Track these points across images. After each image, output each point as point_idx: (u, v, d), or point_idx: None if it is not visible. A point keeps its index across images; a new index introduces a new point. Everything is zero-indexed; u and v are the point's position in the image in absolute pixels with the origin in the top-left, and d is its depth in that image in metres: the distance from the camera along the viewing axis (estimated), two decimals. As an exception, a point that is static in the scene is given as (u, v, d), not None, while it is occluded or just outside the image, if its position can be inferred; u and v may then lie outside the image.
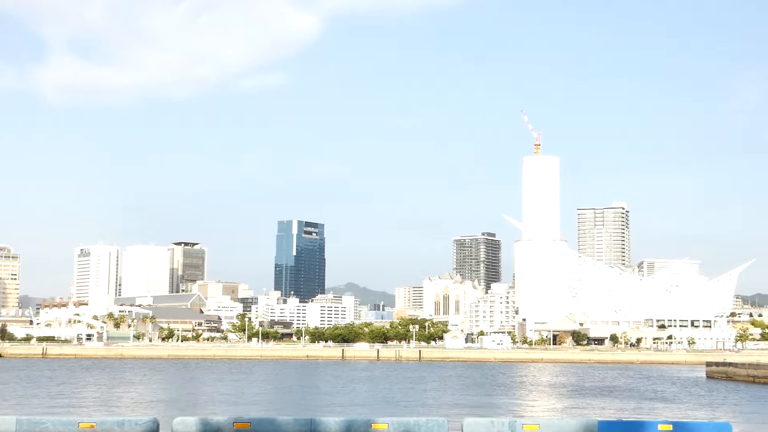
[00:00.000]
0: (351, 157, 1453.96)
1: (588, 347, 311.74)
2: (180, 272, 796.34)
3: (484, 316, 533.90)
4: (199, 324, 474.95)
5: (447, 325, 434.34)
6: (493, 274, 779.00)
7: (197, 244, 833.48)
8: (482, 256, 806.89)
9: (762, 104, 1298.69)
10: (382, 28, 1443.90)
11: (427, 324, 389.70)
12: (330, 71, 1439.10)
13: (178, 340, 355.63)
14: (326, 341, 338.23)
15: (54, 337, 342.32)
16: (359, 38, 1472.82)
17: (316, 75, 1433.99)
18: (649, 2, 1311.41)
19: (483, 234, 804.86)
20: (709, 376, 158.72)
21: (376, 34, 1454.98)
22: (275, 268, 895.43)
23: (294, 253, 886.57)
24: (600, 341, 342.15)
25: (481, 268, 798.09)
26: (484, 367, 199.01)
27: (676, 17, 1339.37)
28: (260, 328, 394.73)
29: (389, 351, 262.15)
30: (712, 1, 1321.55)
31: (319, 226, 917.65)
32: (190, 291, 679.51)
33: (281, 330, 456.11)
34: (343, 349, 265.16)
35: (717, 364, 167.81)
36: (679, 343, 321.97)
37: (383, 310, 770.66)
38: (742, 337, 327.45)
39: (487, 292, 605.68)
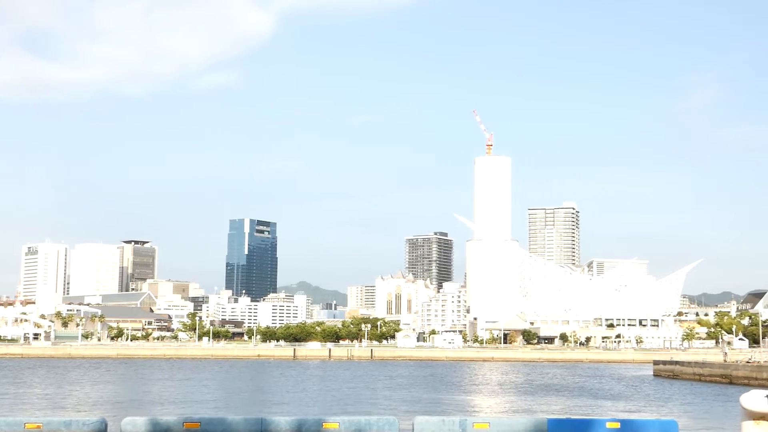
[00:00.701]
0: (304, 156, 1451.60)
1: (538, 346, 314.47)
2: (130, 271, 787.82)
3: (436, 315, 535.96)
4: (149, 323, 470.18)
5: (399, 324, 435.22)
6: (445, 274, 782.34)
7: (148, 242, 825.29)
8: (434, 255, 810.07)
9: (713, 106, 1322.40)
10: (336, 27, 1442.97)
11: (379, 323, 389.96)
12: (284, 69, 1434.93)
13: (127, 340, 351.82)
14: (278, 340, 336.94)
15: (0, 336, 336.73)
16: (313, 37, 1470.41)
17: (270, 73, 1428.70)
18: (602, 3, 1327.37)
19: (435, 233, 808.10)
20: (656, 375, 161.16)
21: (330, 33, 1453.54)
22: (227, 266, 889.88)
23: (246, 252, 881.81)
24: (550, 340, 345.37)
25: (434, 267, 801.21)
26: (436, 366, 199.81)
27: (629, 18, 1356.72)
28: (211, 327, 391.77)
29: (341, 350, 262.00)
30: (664, 3, 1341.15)
31: (272, 224, 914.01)
32: (140, 290, 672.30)
33: (232, 329, 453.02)
34: (294, 349, 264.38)
35: (664, 362, 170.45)
36: (627, 342, 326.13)
37: (335, 309, 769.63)
38: (688, 336, 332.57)
39: (439, 292, 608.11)
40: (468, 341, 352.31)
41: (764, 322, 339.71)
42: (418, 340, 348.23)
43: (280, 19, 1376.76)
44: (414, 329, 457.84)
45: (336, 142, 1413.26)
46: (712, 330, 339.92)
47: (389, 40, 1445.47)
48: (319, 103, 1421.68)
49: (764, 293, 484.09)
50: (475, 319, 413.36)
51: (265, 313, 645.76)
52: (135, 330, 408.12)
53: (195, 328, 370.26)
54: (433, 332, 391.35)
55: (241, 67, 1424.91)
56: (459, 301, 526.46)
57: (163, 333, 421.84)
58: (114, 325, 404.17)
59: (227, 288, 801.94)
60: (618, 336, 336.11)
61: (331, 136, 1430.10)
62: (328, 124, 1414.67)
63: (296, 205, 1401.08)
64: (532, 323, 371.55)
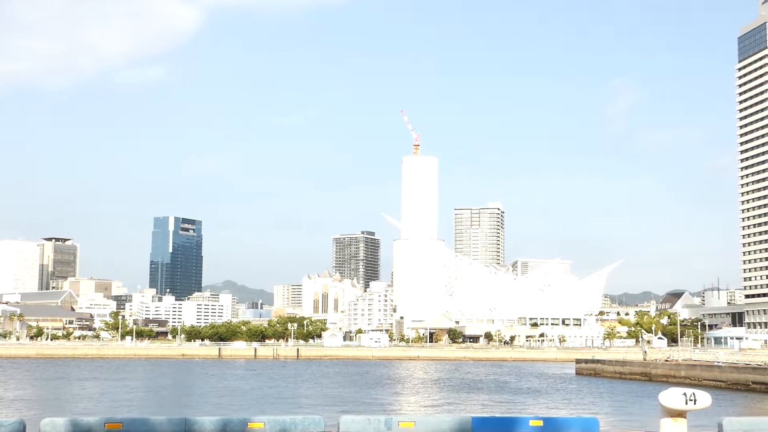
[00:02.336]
0: (231, 154, 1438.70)
1: (463, 345, 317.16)
2: (50, 269, 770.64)
3: (363, 314, 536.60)
4: (70, 322, 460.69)
5: (326, 324, 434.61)
6: (372, 273, 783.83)
7: (69, 239, 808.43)
8: (361, 254, 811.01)
9: (636, 110, 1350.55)
10: (264, 25, 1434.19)
11: (305, 322, 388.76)
12: (210, 66, 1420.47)
13: (47, 339, 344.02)
14: (203, 340, 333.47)
15: None
16: (240, 34, 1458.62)
17: (196, 70, 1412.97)
18: (529, 6, 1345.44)
19: (363, 233, 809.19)
20: (579, 373, 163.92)
21: (257, 30, 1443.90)
22: (151, 265, 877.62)
23: (170, 250, 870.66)
24: (475, 339, 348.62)
25: (361, 266, 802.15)
26: (362, 365, 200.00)
27: (556, 22, 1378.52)
28: (134, 326, 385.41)
29: (267, 349, 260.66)
30: (591, 7, 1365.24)
31: (197, 222, 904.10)
32: (61, 288, 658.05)
33: (156, 328, 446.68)
34: (219, 348, 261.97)
35: (586, 361, 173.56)
36: (550, 340, 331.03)
37: (261, 308, 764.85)
38: (609, 335, 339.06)
39: (365, 291, 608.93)
40: (394, 340, 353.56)
41: (682, 321, 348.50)
42: (344, 339, 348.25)
43: (207, 16, 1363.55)
44: (341, 328, 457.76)
45: (263, 141, 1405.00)
46: (633, 329, 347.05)
47: (318, 39, 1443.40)
48: (246, 101, 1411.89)
49: (682, 293, 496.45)
50: (402, 318, 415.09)
51: (190, 312, 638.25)
52: (55, 329, 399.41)
53: (118, 328, 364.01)
54: (359, 331, 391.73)
55: (166, 63, 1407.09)
56: (386, 300, 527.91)
57: (85, 332, 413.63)
58: (33, 324, 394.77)
59: (151, 286, 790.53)
60: (541, 335, 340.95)
61: (259, 135, 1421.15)
62: (255, 122, 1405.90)
63: (222, 203, 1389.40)
64: (457, 322, 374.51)
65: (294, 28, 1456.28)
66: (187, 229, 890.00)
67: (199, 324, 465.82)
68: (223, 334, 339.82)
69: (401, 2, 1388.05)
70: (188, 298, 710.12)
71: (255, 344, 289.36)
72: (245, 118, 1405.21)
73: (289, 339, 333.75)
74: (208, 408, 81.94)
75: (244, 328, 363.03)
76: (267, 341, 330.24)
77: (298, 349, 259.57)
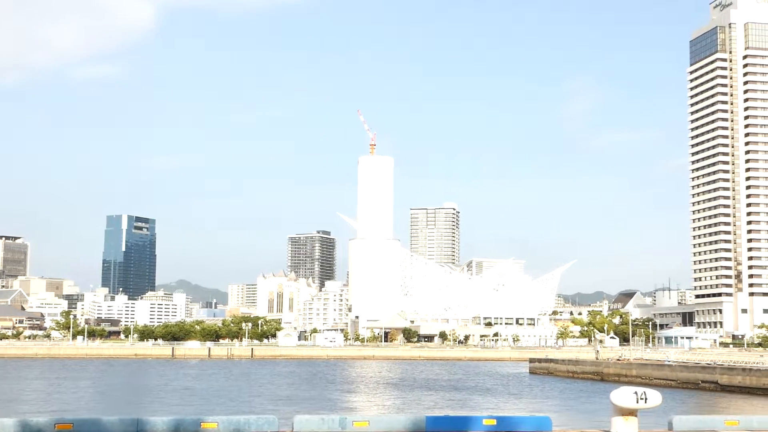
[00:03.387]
0: (186, 152, 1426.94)
1: (418, 344, 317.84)
2: (0, 267, 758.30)
3: (318, 314, 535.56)
4: (20, 321, 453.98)
5: (280, 323, 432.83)
6: (327, 272, 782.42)
7: (19, 238, 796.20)
8: (317, 254, 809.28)
9: (591, 111, 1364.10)
10: (220, 23, 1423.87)
11: (260, 322, 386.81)
12: (167, 64, 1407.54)
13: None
14: (156, 339, 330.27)
15: None
16: (197, 32, 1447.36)
17: (152, 67, 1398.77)
18: (486, 6, 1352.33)
19: (318, 232, 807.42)
20: (532, 372, 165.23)
21: (214, 28, 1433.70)
22: (103, 264, 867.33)
23: (123, 249, 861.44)
24: (430, 338, 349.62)
25: (316, 265, 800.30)
26: (317, 365, 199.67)
27: (513, 22, 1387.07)
28: (86, 326, 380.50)
29: (221, 349, 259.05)
30: (547, 9, 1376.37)
31: (151, 221, 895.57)
32: (11, 287, 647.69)
33: (109, 328, 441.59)
34: (173, 348, 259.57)
35: (539, 360, 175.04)
36: (504, 340, 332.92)
37: (216, 307, 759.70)
38: (562, 335, 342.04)
39: (321, 290, 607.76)
40: (349, 340, 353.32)
41: (634, 321, 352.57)
42: (299, 339, 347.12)
43: (163, 13, 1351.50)
44: (295, 328, 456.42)
45: (219, 139, 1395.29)
46: (585, 329, 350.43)
47: (274, 37, 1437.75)
48: (202, 99, 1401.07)
49: (634, 293, 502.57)
50: (357, 317, 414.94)
51: (143, 311, 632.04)
52: (5, 329, 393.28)
53: (69, 327, 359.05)
54: (314, 331, 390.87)
55: (122, 60, 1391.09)
56: (341, 300, 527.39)
57: (35, 332, 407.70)
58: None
59: (103, 286, 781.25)
60: (496, 334, 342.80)
61: (214, 133, 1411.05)
62: (211, 120, 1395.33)
63: (177, 201, 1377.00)
64: (412, 322, 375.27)
65: (250, 27, 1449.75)
66: (140, 228, 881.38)
67: (152, 324, 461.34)
68: (176, 334, 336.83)
69: (359, 2, 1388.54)
70: (141, 298, 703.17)
71: (209, 344, 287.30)
72: (200, 116, 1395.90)
73: (244, 339, 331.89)
74: (160, 408, 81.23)
75: (198, 327, 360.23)
76: (221, 341, 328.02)
77: (252, 349, 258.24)
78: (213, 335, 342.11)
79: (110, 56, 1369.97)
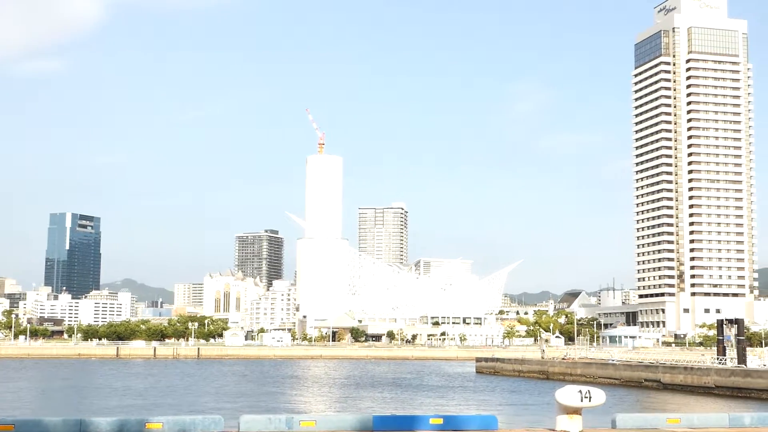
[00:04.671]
0: (132, 150, 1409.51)
1: (366, 344, 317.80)
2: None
3: (266, 314, 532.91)
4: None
5: (227, 323, 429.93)
6: (275, 272, 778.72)
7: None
8: (265, 253, 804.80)
9: (536, 113, 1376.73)
10: (167, 20, 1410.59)
11: (206, 321, 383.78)
12: (112, 61, 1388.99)
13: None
14: (100, 339, 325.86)
15: None
16: (143, 28, 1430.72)
17: (97, 63, 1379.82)
18: (435, 7, 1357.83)
19: (266, 231, 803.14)
20: (479, 371, 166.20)
21: (161, 25, 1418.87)
22: (46, 262, 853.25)
23: (67, 247, 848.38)
24: (377, 338, 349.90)
25: (264, 265, 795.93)
26: (264, 364, 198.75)
27: (461, 23, 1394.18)
28: (28, 325, 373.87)
29: (167, 349, 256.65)
30: (493, 10, 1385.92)
31: (95, 219, 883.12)
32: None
33: (51, 327, 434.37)
34: (118, 347, 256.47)
35: (486, 359, 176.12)
36: (451, 339, 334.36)
37: (161, 307, 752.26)
38: (509, 334, 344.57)
39: (268, 289, 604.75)
40: (297, 339, 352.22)
41: (579, 320, 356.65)
42: (246, 339, 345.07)
43: (108, 10, 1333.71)
44: (243, 327, 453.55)
45: (166, 137, 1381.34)
46: (532, 328, 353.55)
47: (222, 35, 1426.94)
48: (149, 96, 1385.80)
49: (579, 293, 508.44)
50: (305, 317, 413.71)
51: (87, 310, 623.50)
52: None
53: (11, 326, 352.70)
54: (261, 330, 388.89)
55: (66, 56, 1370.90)
56: (288, 300, 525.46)
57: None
58: None
59: (46, 284, 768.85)
60: (443, 334, 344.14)
61: (160, 130, 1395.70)
62: (158, 118, 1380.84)
63: (123, 199, 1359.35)
64: (360, 321, 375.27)
65: (197, 25, 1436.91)
66: (85, 226, 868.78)
67: (96, 323, 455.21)
68: (121, 334, 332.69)
69: (309, 2, 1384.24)
70: (85, 297, 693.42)
71: (154, 343, 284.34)
72: (146, 113, 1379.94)
73: (190, 338, 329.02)
74: (104, 408, 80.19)
75: (143, 327, 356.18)
76: (167, 340, 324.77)
77: (198, 349, 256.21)
78: (159, 335, 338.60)
79: (53, 52, 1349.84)
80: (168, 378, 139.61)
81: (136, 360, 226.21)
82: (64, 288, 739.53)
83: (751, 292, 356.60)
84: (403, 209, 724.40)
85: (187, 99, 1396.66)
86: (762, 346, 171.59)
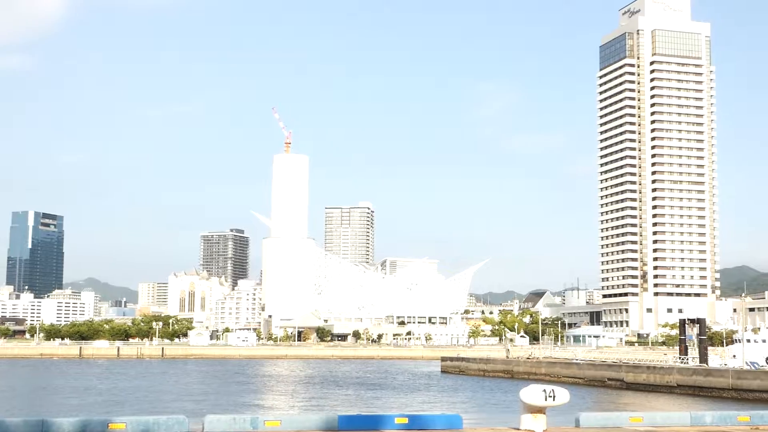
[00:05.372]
0: (96, 148, 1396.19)
1: (331, 343, 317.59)
2: None
3: (231, 313, 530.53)
4: None
5: (192, 322, 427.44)
6: (240, 271, 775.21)
7: None
8: (230, 252, 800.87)
9: (503, 114, 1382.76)
10: (134, 17, 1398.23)
11: (171, 321, 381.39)
12: (79, 57, 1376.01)
13: None
14: (63, 339, 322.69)
15: None
16: (110, 25, 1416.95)
17: (63, 60, 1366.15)
18: (401, 8, 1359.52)
19: (231, 230, 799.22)
20: (444, 371, 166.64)
21: (128, 22, 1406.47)
22: (8, 261, 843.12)
23: (29, 246, 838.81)
24: (343, 337, 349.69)
25: (229, 264, 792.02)
26: (229, 364, 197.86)
27: (428, 23, 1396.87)
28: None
29: (131, 348, 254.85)
30: (460, 13, 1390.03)
31: (59, 218, 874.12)
32: None
33: (13, 327, 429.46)
34: (81, 347, 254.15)
35: (451, 359, 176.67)
36: (417, 339, 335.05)
37: (125, 306, 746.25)
38: (474, 334, 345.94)
39: (234, 289, 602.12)
40: (262, 339, 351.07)
41: (544, 320, 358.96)
42: (211, 338, 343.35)
43: (74, 5, 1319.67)
44: (207, 327, 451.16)
45: (130, 136, 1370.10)
46: (497, 327, 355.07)
47: (188, 33, 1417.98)
48: (114, 94, 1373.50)
49: (544, 293, 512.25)
50: (270, 316, 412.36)
51: (50, 310, 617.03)
52: None
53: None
54: (227, 330, 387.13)
55: (28, 53, 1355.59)
56: (254, 299, 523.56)
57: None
58: None
59: (8, 284, 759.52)
60: (408, 333, 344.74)
61: (125, 128, 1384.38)
62: (121, 115, 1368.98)
63: (86, 197, 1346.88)
64: (326, 321, 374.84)
65: (163, 22, 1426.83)
66: (47, 225, 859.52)
67: (59, 323, 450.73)
68: (84, 333, 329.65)
69: (277, 0, 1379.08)
70: (48, 296, 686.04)
71: (118, 343, 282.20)
72: (111, 111, 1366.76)
73: (154, 338, 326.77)
74: (66, 409, 79.40)
75: (106, 326, 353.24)
76: (131, 340, 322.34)
77: (163, 348, 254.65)
78: (122, 334, 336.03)
79: (18, 47, 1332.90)
80: (131, 378, 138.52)
81: (99, 360, 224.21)
82: (27, 287, 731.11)
83: (713, 292, 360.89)
84: (369, 209, 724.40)
85: (152, 98, 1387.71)
86: (723, 346, 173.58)
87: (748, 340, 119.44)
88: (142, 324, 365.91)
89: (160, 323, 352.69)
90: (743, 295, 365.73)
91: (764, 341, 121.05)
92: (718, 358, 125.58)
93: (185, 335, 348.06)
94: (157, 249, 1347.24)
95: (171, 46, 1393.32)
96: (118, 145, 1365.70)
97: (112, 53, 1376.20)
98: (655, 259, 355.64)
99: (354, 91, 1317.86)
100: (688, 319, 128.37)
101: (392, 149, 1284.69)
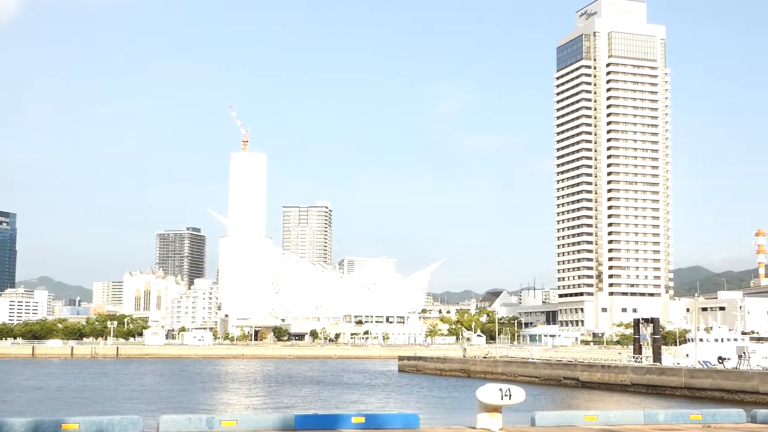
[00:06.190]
0: (48, 145, 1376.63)
1: (289, 343, 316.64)
2: None
3: (187, 312, 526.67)
4: None
5: (147, 321, 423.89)
6: (197, 270, 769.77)
7: None
8: (186, 251, 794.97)
9: (460, 114, 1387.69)
10: (88, 13, 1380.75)
11: (126, 320, 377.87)
12: (29, 51, 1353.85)
13: None
14: (15, 338, 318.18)
15: None
16: (62, 20, 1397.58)
17: (13, 53, 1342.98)
18: (358, 8, 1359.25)
19: (188, 229, 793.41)
20: (401, 370, 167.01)
21: (80, 18, 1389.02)
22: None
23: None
24: (301, 337, 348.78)
25: (185, 263, 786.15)
26: (185, 364, 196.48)
27: (382, 26, 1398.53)
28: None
29: (85, 348, 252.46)
30: (416, 13, 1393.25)
31: (11, 215, 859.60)
32: None
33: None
34: (33, 347, 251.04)
35: (408, 358, 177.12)
36: (374, 338, 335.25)
37: (80, 305, 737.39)
38: (431, 333, 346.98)
39: (190, 288, 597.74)
40: (219, 338, 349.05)
41: (500, 319, 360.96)
42: (167, 338, 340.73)
43: (21, 2, 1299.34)
44: (163, 326, 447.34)
45: (84, 131, 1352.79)
46: (454, 327, 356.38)
47: (143, 30, 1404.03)
48: (66, 89, 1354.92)
49: (501, 292, 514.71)
50: (227, 316, 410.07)
51: (2, 309, 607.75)
52: None
53: None
54: (183, 329, 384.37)
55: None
56: (210, 298, 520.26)
57: None
58: None
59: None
60: (366, 332, 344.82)
61: (79, 125, 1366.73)
62: (76, 112, 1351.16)
63: (39, 196, 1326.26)
64: (283, 320, 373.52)
65: (117, 17, 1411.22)
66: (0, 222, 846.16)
67: (11, 322, 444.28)
68: (37, 332, 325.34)
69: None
70: (0, 295, 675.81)
71: (72, 343, 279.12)
72: (65, 106, 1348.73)
73: (109, 337, 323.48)
74: (18, 409, 78.27)
75: (60, 326, 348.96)
76: (85, 340, 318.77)
77: (117, 348, 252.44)
78: (76, 334, 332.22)
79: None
80: (85, 378, 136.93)
81: (52, 359, 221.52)
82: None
83: (667, 292, 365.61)
84: (327, 208, 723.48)
85: (106, 93, 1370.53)
86: (677, 345, 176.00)
87: (701, 340, 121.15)
88: (96, 323, 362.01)
89: (115, 322, 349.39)
90: (696, 295, 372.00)
91: (716, 341, 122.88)
92: (671, 357, 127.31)
93: (140, 335, 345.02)
94: (112, 248, 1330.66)
95: (125, 43, 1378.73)
96: (71, 143, 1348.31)
97: (63, 49, 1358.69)
98: (610, 259, 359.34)
99: (312, 90, 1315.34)
100: (642, 319, 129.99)
101: (350, 149, 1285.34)
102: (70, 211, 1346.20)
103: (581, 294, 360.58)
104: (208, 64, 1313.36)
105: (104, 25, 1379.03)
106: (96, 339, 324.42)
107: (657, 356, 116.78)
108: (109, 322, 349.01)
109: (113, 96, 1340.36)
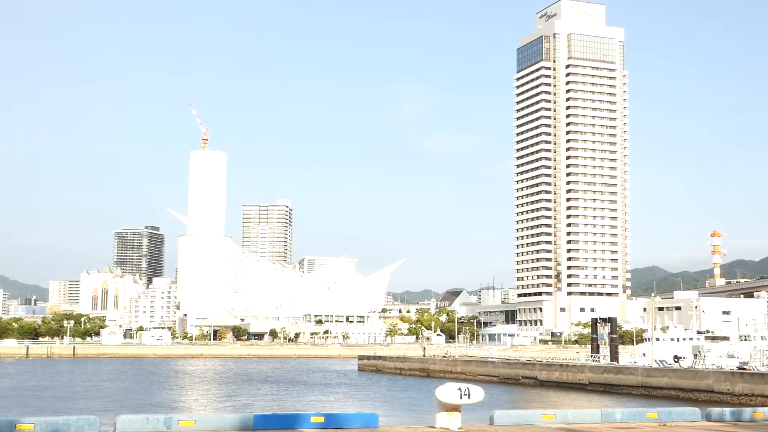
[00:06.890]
0: (4, 141, 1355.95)
1: (248, 342, 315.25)
2: None
3: (145, 312, 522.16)
4: None
5: (105, 321, 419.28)
6: (155, 269, 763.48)
7: None
8: (145, 249, 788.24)
9: (422, 114, 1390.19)
10: (47, 6, 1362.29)
11: (83, 319, 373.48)
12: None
13: None
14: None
15: None
16: (21, 14, 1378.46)
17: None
18: (322, 6, 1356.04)
19: (146, 227, 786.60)
20: (361, 369, 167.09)
21: (39, 11, 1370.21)
22: None
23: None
24: (260, 336, 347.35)
25: (144, 262, 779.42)
26: (143, 363, 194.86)
27: (344, 26, 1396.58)
28: None
29: (40, 348, 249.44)
30: (379, 13, 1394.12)
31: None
32: None
33: None
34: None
35: (368, 357, 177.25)
36: (334, 337, 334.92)
37: (35, 304, 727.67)
38: (391, 332, 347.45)
39: (148, 287, 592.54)
40: (177, 338, 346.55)
41: (460, 319, 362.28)
42: (125, 337, 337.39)
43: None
44: (121, 326, 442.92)
45: (41, 129, 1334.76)
46: (414, 326, 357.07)
47: (102, 27, 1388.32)
48: (23, 86, 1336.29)
49: (461, 292, 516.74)
50: (185, 315, 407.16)
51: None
52: None
53: None
54: (141, 329, 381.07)
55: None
56: (169, 297, 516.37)
57: None
58: None
59: None
60: (326, 332, 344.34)
61: (36, 122, 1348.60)
62: (33, 108, 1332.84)
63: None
64: (242, 319, 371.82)
65: (76, 13, 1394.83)
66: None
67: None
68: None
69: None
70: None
71: (27, 342, 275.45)
72: (22, 103, 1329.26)
73: (65, 337, 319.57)
74: (-28, 410, 76.99)
75: (15, 325, 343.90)
76: (41, 339, 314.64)
77: (74, 347, 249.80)
78: (32, 333, 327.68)
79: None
80: (41, 378, 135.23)
81: (7, 359, 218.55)
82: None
83: (624, 291, 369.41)
84: (288, 207, 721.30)
85: (64, 89, 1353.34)
86: (633, 345, 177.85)
87: (657, 339, 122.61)
88: (52, 322, 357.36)
89: (72, 322, 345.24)
90: (653, 294, 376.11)
91: (672, 340, 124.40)
92: (628, 356, 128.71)
93: (98, 334, 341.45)
94: (69, 246, 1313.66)
95: (82, 39, 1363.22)
96: (26, 140, 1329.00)
97: (17, 45, 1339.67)
98: (569, 259, 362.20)
99: (273, 88, 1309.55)
100: (600, 318, 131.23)
101: (311, 148, 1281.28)
102: (26, 209, 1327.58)
103: (540, 294, 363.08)
104: (168, 61, 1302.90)
105: (61, 21, 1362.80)
106: (52, 338, 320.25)
107: (614, 356, 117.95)
108: (65, 322, 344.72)
109: (70, 93, 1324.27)
